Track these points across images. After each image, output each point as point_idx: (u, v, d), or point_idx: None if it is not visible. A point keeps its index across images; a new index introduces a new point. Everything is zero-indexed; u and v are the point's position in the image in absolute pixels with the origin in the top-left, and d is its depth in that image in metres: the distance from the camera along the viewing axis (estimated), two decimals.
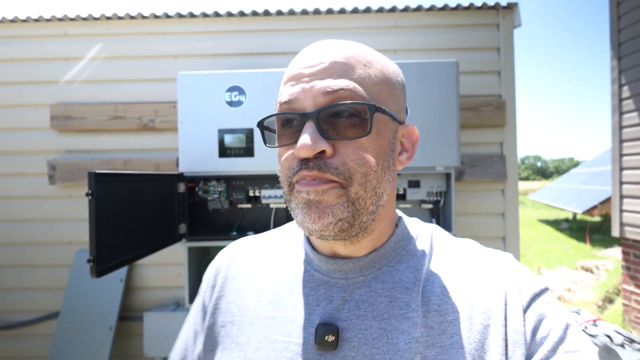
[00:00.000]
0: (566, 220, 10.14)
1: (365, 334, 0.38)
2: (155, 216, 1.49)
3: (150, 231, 1.45)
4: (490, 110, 2.00)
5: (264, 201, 1.73)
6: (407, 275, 0.41)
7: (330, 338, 0.38)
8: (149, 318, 1.91)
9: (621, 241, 3.43)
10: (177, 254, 2.04)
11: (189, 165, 1.68)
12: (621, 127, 3.28)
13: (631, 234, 3.22)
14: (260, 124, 0.41)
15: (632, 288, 3.35)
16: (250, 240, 0.51)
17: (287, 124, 0.38)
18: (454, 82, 1.61)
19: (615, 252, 6.03)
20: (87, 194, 1.10)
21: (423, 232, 0.45)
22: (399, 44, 2.06)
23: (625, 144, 3.25)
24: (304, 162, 0.36)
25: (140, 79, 2.11)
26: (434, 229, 0.47)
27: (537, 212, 13.50)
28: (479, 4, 2.01)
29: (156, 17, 2.08)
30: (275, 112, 0.39)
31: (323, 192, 0.35)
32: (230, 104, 1.67)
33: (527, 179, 72.90)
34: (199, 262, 1.82)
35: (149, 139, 2.10)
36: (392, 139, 0.39)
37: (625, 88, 3.23)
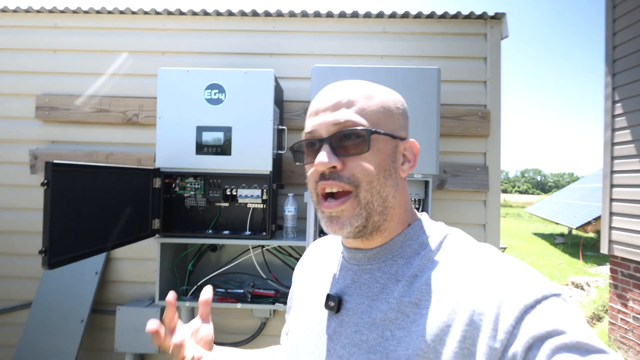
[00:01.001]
0: (561, 234, 10.08)
1: (358, 307, 0.50)
2: (127, 210, 1.48)
3: (120, 225, 1.44)
4: (475, 120, 2.00)
5: (240, 200, 1.73)
6: (403, 270, 0.50)
7: (332, 304, 0.52)
8: (122, 312, 1.90)
9: (610, 259, 3.40)
10: (154, 249, 2.03)
11: (165, 160, 1.67)
12: (613, 144, 3.27)
13: (620, 251, 3.20)
14: (292, 148, 0.56)
15: (618, 307, 3.31)
16: (325, 238, 0.69)
17: (310, 147, 0.52)
18: (435, 89, 1.61)
19: (607, 270, 5.97)
20: (43, 184, 1.09)
21: (437, 235, 0.52)
22: (386, 49, 2.06)
23: (616, 161, 3.23)
24: (322, 176, 0.49)
25: (126, 73, 2.12)
26: (452, 232, 0.53)
27: (533, 225, 13.43)
28: (467, 13, 2.01)
29: (145, 13, 2.09)
30: (302, 139, 0.53)
31: (342, 210, 0.49)
32: (210, 101, 1.67)
33: (525, 192, 72.61)
34: (174, 259, 1.81)
35: (132, 133, 2.10)
36: (392, 153, 0.51)
37: (618, 105, 3.22)
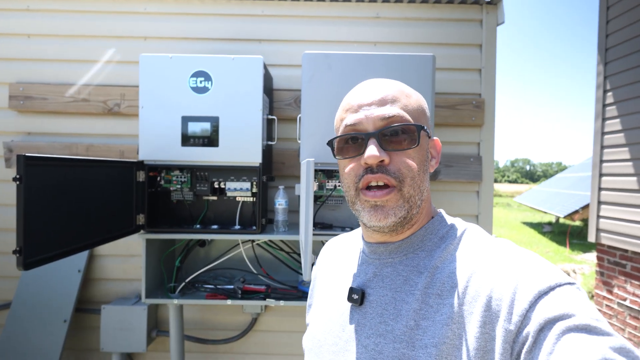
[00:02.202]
0: (549, 223, 10.29)
1: (382, 299, 0.52)
2: (109, 206, 1.40)
3: (102, 221, 1.36)
4: (469, 109, 1.96)
5: (229, 194, 1.66)
6: (425, 262, 0.52)
7: (355, 297, 0.54)
8: (107, 311, 1.83)
9: (597, 247, 3.46)
10: (140, 244, 1.96)
11: (149, 153, 1.59)
12: (603, 134, 3.28)
13: (606, 240, 3.25)
14: (330, 142, 0.56)
15: (604, 294, 3.38)
16: (340, 236, 0.71)
17: (351, 141, 0.52)
18: (429, 77, 1.55)
19: (593, 257, 6.12)
20: (15, 179, 1.01)
21: (456, 229, 0.54)
22: (379, 36, 1.99)
23: (605, 150, 3.26)
24: (369, 169, 0.50)
25: (107, 60, 2.00)
26: (470, 227, 0.55)
27: (522, 214, 13.69)
28: None
29: None
30: (345, 134, 0.52)
31: (387, 200, 0.50)
32: (196, 89, 1.58)
33: (515, 181, 73.94)
34: (160, 255, 1.74)
35: (114, 124, 2.00)
36: (427, 149, 0.54)
37: (609, 94, 3.22)
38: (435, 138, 0.57)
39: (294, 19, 1.99)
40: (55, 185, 1.14)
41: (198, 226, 1.66)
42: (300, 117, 1.60)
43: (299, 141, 1.61)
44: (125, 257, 1.99)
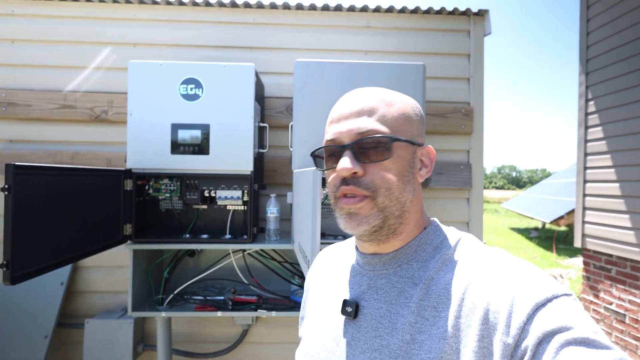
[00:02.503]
0: (536, 229, 10.48)
1: (376, 312, 0.51)
2: (96, 216, 1.36)
3: (88, 232, 1.32)
4: (459, 117, 1.99)
5: (220, 202, 1.63)
6: (420, 273, 0.51)
7: (349, 309, 0.53)
8: (91, 325, 1.76)
9: (582, 252, 3.53)
10: (127, 255, 1.90)
11: (138, 161, 1.55)
12: (586, 141, 3.38)
13: (592, 245, 3.32)
14: (313, 154, 0.57)
15: (591, 298, 3.44)
16: (333, 245, 0.70)
17: (331, 153, 0.53)
18: (420, 86, 1.57)
19: (579, 262, 6.25)
20: (3, 189, 0.97)
21: (450, 239, 0.53)
22: (370, 45, 2.01)
23: (589, 157, 3.35)
24: (344, 181, 0.51)
25: (94, 66, 1.96)
26: (464, 237, 0.54)
27: (509, 220, 13.92)
28: (451, 9, 1.99)
29: (114, 1, 1.94)
30: (324, 146, 0.55)
31: (360, 207, 0.49)
32: (186, 97, 1.56)
33: (502, 188, 75.35)
34: (148, 266, 1.70)
35: (101, 131, 1.95)
36: (411, 159, 0.52)
37: (591, 103, 3.33)
38: (427, 146, 0.55)
39: (285, 27, 1.99)
40: (44, 195, 1.10)
41: (187, 236, 1.62)
42: (292, 125, 1.59)
43: (291, 149, 1.60)
44: (111, 268, 1.93)
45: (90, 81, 1.95)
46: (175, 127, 1.56)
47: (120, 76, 1.94)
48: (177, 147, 1.56)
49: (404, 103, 0.53)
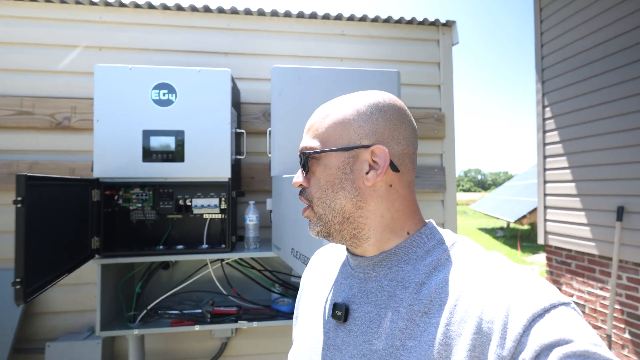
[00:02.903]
0: (501, 228, 11.04)
1: (366, 316, 0.51)
2: (63, 229, 1.26)
3: (55, 249, 1.22)
4: (431, 123, 2.06)
5: (196, 211, 1.57)
6: (410, 276, 0.49)
7: (339, 313, 0.53)
8: (53, 349, 1.62)
9: (545, 248, 3.75)
10: (93, 271, 1.78)
11: (106, 170, 1.47)
12: (545, 144, 3.62)
13: (554, 241, 3.54)
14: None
15: None
16: (330, 245, 0.70)
17: None
18: (395, 92, 1.61)
19: (541, 258, 6.65)
20: (17, 202, 0.97)
21: (444, 243, 0.52)
22: (345, 52, 2.04)
23: (548, 160, 3.59)
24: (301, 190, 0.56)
25: (55, 70, 1.84)
26: (460, 240, 0.52)
27: (477, 221, 14.57)
28: (421, 19, 2.07)
29: (78, 2, 1.84)
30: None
31: (307, 215, 0.56)
32: (158, 102, 1.50)
33: (469, 190, 78.84)
34: (118, 281, 1.59)
35: (63, 139, 1.83)
36: (347, 165, 0.52)
37: (547, 109, 3.58)
38: (376, 146, 0.51)
39: (260, 33, 1.98)
40: (44, 207, 1.09)
41: (161, 247, 1.55)
42: (270, 131, 1.57)
43: (270, 155, 1.58)
44: (76, 285, 1.79)
45: (51, 86, 1.83)
46: (147, 134, 1.49)
47: (84, 81, 1.84)
48: (149, 155, 1.49)
49: (343, 109, 0.53)
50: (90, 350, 1.61)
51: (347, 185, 0.52)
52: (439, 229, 0.55)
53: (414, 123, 0.56)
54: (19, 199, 0.97)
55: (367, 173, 0.52)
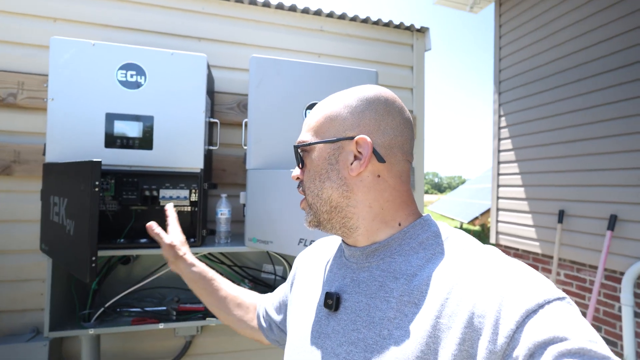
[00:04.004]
0: (455, 228, 11.74)
1: (356, 305, 0.52)
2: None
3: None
4: None
5: (163, 202, 1.48)
6: (402, 267, 0.50)
7: (330, 302, 0.54)
8: None
9: (497, 247, 4.06)
10: (39, 266, 1.61)
11: (60, 155, 1.33)
12: (499, 151, 3.91)
13: (504, 240, 3.83)
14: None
15: None
16: (330, 237, 0.71)
17: None
18: None
19: None
20: (95, 186, 1.07)
21: (438, 235, 0.52)
22: (323, 48, 2.04)
23: (501, 165, 3.88)
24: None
25: (1, 40, 1.63)
26: (454, 233, 0.52)
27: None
28: (397, 23, 2.13)
29: None
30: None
31: (303, 207, 0.59)
32: (125, 84, 1.39)
33: (427, 192, 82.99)
34: (71, 277, 1.45)
35: (7, 117, 1.62)
36: (332, 156, 0.54)
37: (503, 118, 3.86)
38: (358, 137, 0.52)
39: (237, 20, 1.91)
40: None
41: (122, 240, 1.43)
42: (246, 122, 1.53)
43: (245, 147, 1.53)
44: (16, 282, 1.61)
45: None
46: (111, 117, 1.37)
47: (36, 54, 1.65)
48: (112, 140, 1.37)
49: (332, 103, 0.56)
50: (36, 353, 1.45)
51: (332, 175, 0.54)
52: (434, 222, 0.55)
53: (407, 114, 0.56)
54: (96, 183, 1.08)
55: (351, 164, 0.53)
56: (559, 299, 0.39)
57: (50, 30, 1.67)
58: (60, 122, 1.33)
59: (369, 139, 0.52)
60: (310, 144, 0.56)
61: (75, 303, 1.45)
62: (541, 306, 0.38)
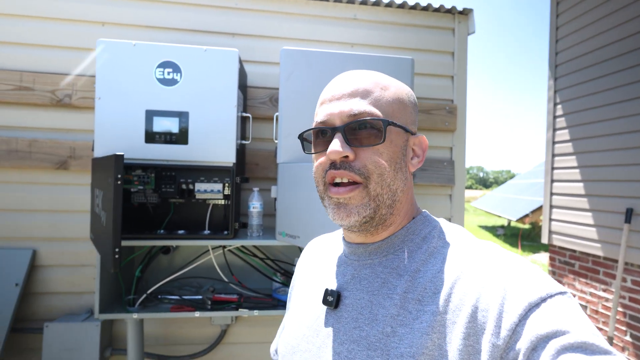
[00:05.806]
0: (502, 226, 11.02)
1: (358, 302, 0.49)
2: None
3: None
4: (443, 115, 2.00)
5: (198, 196, 1.53)
6: (405, 264, 0.48)
7: (330, 299, 0.51)
8: (51, 330, 1.60)
9: (549, 248, 3.72)
10: (92, 253, 1.75)
11: (107, 150, 1.42)
12: (554, 143, 3.55)
13: (558, 241, 3.50)
14: (301, 136, 0.54)
15: None
16: (323, 236, 0.67)
17: (321, 136, 0.50)
18: (408, 80, 1.55)
19: (542, 258, 6.63)
20: (117, 179, 1.12)
21: (439, 230, 0.51)
22: (356, 37, 1.97)
23: (556, 158, 3.52)
24: (333, 165, 0.48)
25: (56, 45, 1.78)
26: (454, 228, 0.52)
27: (477, 218, 14.55)
28: (437, 6, 1.99)
29: None
30: (313, 127, 0.51)
31: (350, 197, 0.47)
32: (162, 81, 1.45)
33: (470, 187, 78.87)
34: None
35: (63, 117, 1.78)
36: (404, 146, 0.50)
37: (559, 106, 3.50)
38: (420, 135, 0.53)
39: (269, 14, 1.91)
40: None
41: (162, 231, 1.51)
42: (277, 116, 1.52)
43: (276, 141, 1.53)
44: (74, 267, 1.77)
45: (52, 61, 1.77)
46: (151, 114, 1.44)
47: (86, 57, 1.78)
48: (152, 136, 1.44)
49: (398, 88, 0.51)
50: (89, 332, 1.59)
51: (403, 167, 0.50)
52: (433, 217, 0.54)
53: None
54: (119, 176, 1.14)
55: (412, 159, 0.52)
56: (560, 293, 0.39)
57: (99, 34, 1.79)
58: (106, 119, 1.42)
59: (426, 141, 0.53)
60: (392, 124, 0.47)
61: (122, 288, 1.56)
62: (544, 300, 0.38)
